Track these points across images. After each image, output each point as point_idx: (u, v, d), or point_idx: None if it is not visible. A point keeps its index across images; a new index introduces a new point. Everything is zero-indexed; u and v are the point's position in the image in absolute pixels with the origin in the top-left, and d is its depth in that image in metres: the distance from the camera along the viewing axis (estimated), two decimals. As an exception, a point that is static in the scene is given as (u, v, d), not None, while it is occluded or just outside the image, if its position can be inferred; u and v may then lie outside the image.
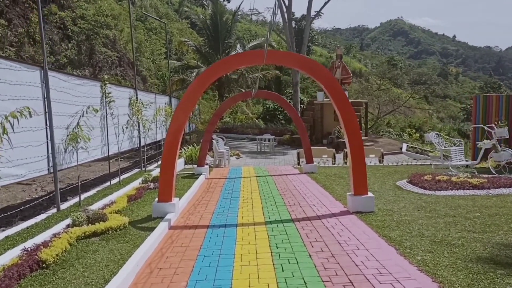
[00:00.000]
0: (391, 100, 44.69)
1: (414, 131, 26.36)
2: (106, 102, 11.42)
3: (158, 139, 17.45)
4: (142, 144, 14.86)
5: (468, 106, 68.07)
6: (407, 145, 24.08)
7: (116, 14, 43.14)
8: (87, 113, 9.02)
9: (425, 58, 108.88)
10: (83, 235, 6.97)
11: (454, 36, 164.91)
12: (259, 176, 14.36)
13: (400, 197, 10.02)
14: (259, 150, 23.78)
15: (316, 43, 73.44)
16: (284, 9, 29.56)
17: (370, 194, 8.75)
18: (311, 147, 19.49)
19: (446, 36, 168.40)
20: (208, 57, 35.59)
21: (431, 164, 17.75)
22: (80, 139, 9.04)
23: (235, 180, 13.79)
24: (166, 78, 38.77)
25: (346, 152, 18.99)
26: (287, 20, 29.31)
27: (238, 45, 34.22)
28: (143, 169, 14.65)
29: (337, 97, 8.78)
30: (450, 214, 8.21)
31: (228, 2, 75.79)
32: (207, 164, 19.16)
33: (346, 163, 18.53)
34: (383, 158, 18.88)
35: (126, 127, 11.85)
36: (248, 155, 22.28)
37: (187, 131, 25.76)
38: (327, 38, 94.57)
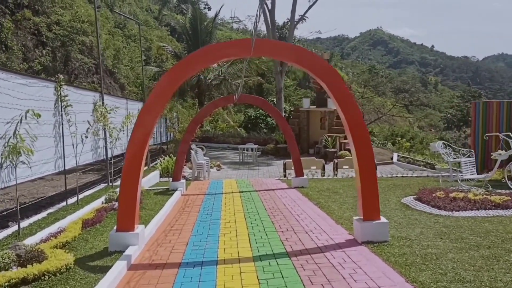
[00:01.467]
0: (375, 109, 43.46)
1: (404, 140, 24.80)
2: (61, 106, 9.50)
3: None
4: (110, 155, 12.90)
5: (448, 115, 67.44)
6: (398, 155, 22.56)
7: (93, 20, 41.31)
8: (26, 119, 7.09)
9: (404, 68, 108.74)
10: (7, 284, 5.05)
11: (433, 46, 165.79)
12: (242, 192, 12.53)
13: (413, 219, 8.31)
14: (241, 160, 21.97)
15: (297, 52, 71.99)
16: (267, 14, 27.95)
17: (383, 219, 6.99)
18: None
19: (424, 46, 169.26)
20: (187, 63, 33.75)
21: (427, 176, 16.22)
22: (23, 152, 7.10)
23: (216, 196, 11.94)
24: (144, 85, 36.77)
25: (337, 163, 17.33)
26: (270, 25, 27.69)
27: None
28: (110, 184, 12.70)
29: (340, 97, 7.07)
30: (483, 245, 6.51)
31: (209, 10, 74.09)
32: (184, 177, 17.26)
33: (336, 175, 16.86)
34: (376, 169, 17.19)
35: (86, 136, 9.90)
36: (229, 166, 20.47)
37: (164, 141, 23.81)
38: (308, 47, 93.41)
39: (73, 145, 9.76)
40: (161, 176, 16.75)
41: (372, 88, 44.78)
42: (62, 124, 9.60)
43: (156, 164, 18.10)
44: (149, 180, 15.23)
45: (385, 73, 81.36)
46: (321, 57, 23.29)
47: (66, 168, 10.10)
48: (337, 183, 13.72)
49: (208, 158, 18.17)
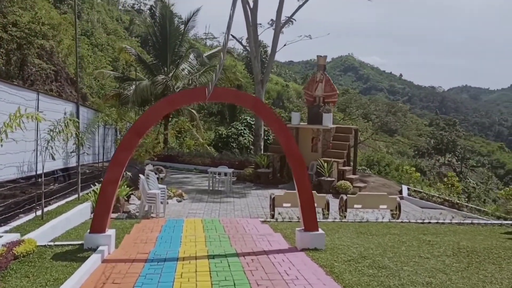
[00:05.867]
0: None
1: (414, 169, 19.68)
2: None
3: (39, 170, 9.56)
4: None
5: (422, 143, 63.66)
6: (408, 188, 17.31)
7: (55, 24, 35.11)
8: None
9: (374, 94, 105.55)
10: None
11: (401, 75, 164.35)
12: (214, 257, 6.80)
13: None
14: (211, 188, 16.22)
15: (272, 71, 67.48)
16: (249, 13, 22.69)
17: None
18: (288, 191, 12.37)
19: (393, 75, 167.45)
20: (153, 69, 27.98)
21: (472, 223, 10.99)
22: None
23: (164, 267, 6.22)
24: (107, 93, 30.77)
25: (346, 200, 11.86)
26: (251, 25, 22.38)
27: (192, 55, 26.71)
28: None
29: None
30: None
31: (182, 24, 68.61)
32: (128, 213, 11.47)
33: (344, 217, 11.40)
34: (400, 211, 11.83)
35: None
36: (195, 196, 14.73)
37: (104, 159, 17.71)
38: (282, 68, 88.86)
39: None
40: (93, 212, 10.93)
41: (355, 109, 40.02)
42: None
43: (89, 192, 12.20)
44: (69, 219, 9.41)
45: (358, 97, 77.63)
46: (317, 60, 17.89)
47: None
48: (363, 239, 8.19)
49: (164, 187, 12.42)
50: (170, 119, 28.31)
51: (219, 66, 7.26)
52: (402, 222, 10.84)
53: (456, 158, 58.38)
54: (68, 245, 7.14)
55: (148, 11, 68.56)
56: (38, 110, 9.26)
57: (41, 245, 6.93)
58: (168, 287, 5.42)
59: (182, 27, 29.00)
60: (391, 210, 11.97)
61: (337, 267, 6.25)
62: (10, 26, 27.10)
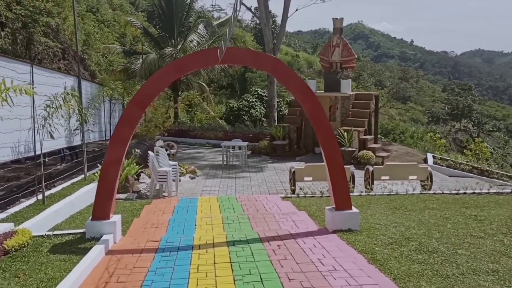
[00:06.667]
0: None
1: (438, 136, 18.57)
2: None
3: (35, 151, 8.63)
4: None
5: (433, 109, 61.91)
6: (434, 156, 16.21)
7: (59, 1, 33.94)
8: None
9: (385, 62, 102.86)
10: None
11: (412, 41, 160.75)
12: (234, 243, 5.88)
13: None
14: (225, 163, 15.30)
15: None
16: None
17: None
18: (309, 164, 11.31)
19: (404, 41, 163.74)
20: (160, 41, 26.83)
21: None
22: None
23: (178, 257, 5.32)
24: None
25: (372, 171, 10.86)
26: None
27: (201, 25, 25.45)
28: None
29: None
30: None
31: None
32: (138, 193, 10.61)
33: (371, 189, 10.42)
34: (431, 181, 10.80)
35: None
36: (208, 172, 13.83)
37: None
38: (291, 38, 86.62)
39: None
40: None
41: (368, 77, 38.43)
42: None
43: (96, 172, 11.34)
44: (73, 203, 8.53)
45: (371, 64, 75.47)
46: (333, 24, 16.59)
47: None
48: (400, 216, 7.20)
49: (176, 163, 11.50)
50: (180, 92, 27.25)
51: (233, 19, 6.13)
52: (435, 193, 9.84)
53: (472, 123, 56.73)
54: (68, 234, 6.26)
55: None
56: (32, 84, 8.29)
57: (38, 236, 6.06)
58: (183, 285, 4.51)
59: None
60: (421, 181, 10.97)
61: (379, 253, 5.29)
62: (14, 4, 26.03)
